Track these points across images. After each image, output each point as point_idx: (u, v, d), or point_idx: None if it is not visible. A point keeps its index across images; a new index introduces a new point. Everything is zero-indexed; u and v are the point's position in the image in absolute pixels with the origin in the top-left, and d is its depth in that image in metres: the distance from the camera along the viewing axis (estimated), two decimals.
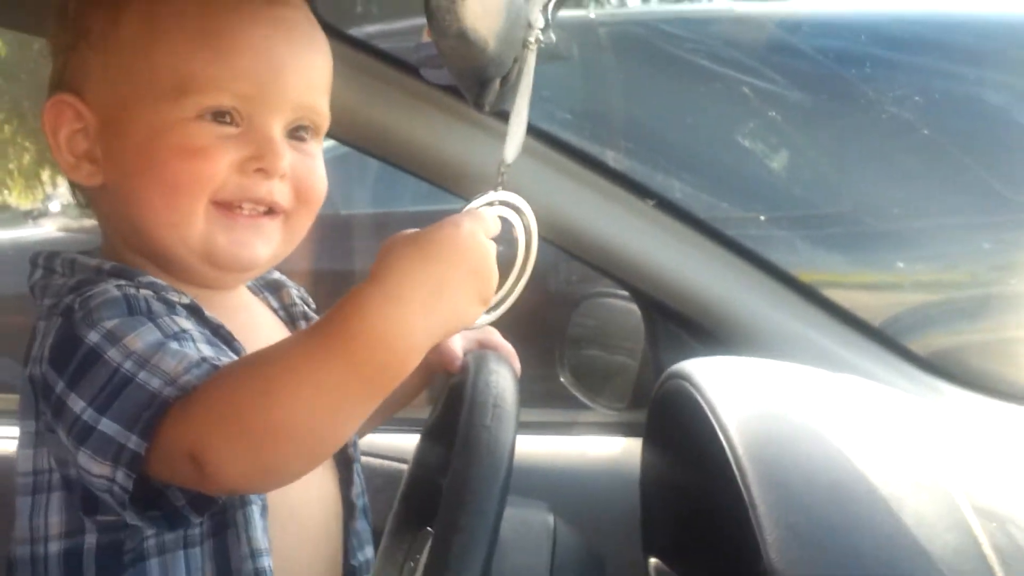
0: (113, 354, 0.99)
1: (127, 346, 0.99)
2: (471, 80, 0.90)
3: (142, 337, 1.00)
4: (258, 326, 1.30)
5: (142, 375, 0.97)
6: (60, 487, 1.10)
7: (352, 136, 1.79)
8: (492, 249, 0.98)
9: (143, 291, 1.09)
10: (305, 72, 1.19)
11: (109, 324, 1.02)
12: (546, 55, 1.00)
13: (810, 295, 1.94)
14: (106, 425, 0.96)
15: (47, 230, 4.33)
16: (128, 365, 0.98)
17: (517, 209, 1.04)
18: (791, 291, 1.93)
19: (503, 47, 0.89)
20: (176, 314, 1.08)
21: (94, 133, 1.17)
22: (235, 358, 1.06)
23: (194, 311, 1.12)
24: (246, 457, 0.92)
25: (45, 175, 5.97)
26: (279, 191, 1.17)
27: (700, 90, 3.59)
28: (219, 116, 1.13)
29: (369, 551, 1.33)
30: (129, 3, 1.15)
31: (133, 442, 0.94)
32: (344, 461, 1.32)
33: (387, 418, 1.52)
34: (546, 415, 2.11)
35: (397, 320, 0.91)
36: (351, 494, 1.31)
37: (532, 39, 0.98)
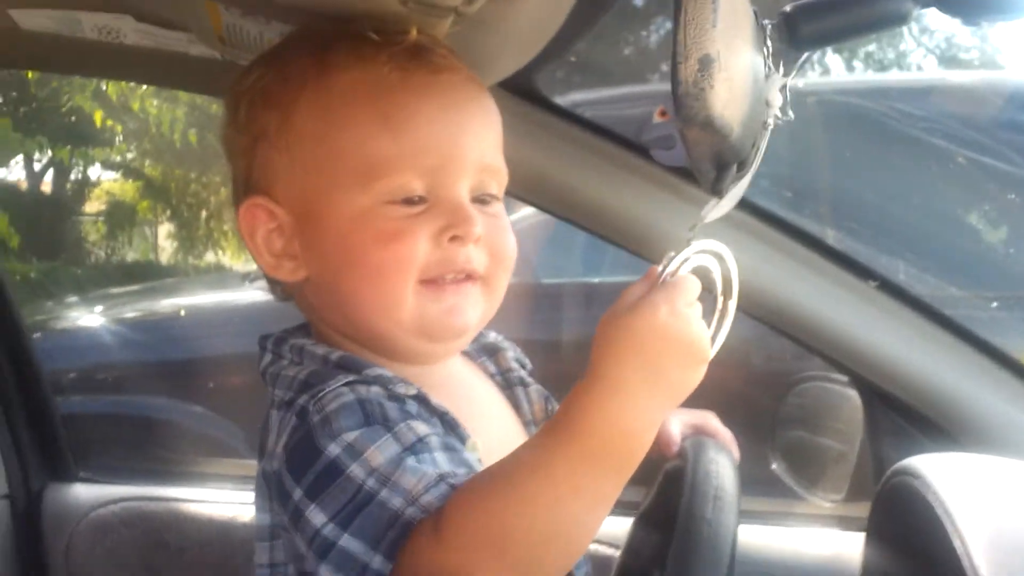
0: (355, 470, 1.01)
1: (368, 461, 1.01)
2: (709, 165, 0.88)
3: (382, 451, 1.02)
4: (476, 399, 1.31)
5: (383, 493, 0.99)
6: None
7: (550, 202, 1.80)
8: (695, 314, 0.97)
9: (373, 389, 1.10)
10: (480, 133, 1.20)
11: (349, 437, 1.03)
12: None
13: None
14: (348, 542, 0.99)
15: (263, 294, 4.51)
16: (371, 483, 1.00)
17: (715, 254, 1.02)
18: (1021, 380, 1.80)
19: (745, 132, 0.86)
20: (409, 414, 1.09)
21: (289, 230, 1.19)
22: (471, 465, 1.07)
23: (421, 401, 1.13)
24: (515, 573, 0.94)
25: None
26: (476, 256, 1.17)
27: (919, 164, 3.47)
28: (408, 201, 1.14)
29: None
30: (299, 98, 1.16)
31: (377, 562, 0.97)
32: None
33: None
34: (757, 504, 2.03)
35: (626, 409, 0.94)
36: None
37: (770, 119, 0.95)
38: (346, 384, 1.10)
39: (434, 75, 1.17)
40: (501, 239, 1.21)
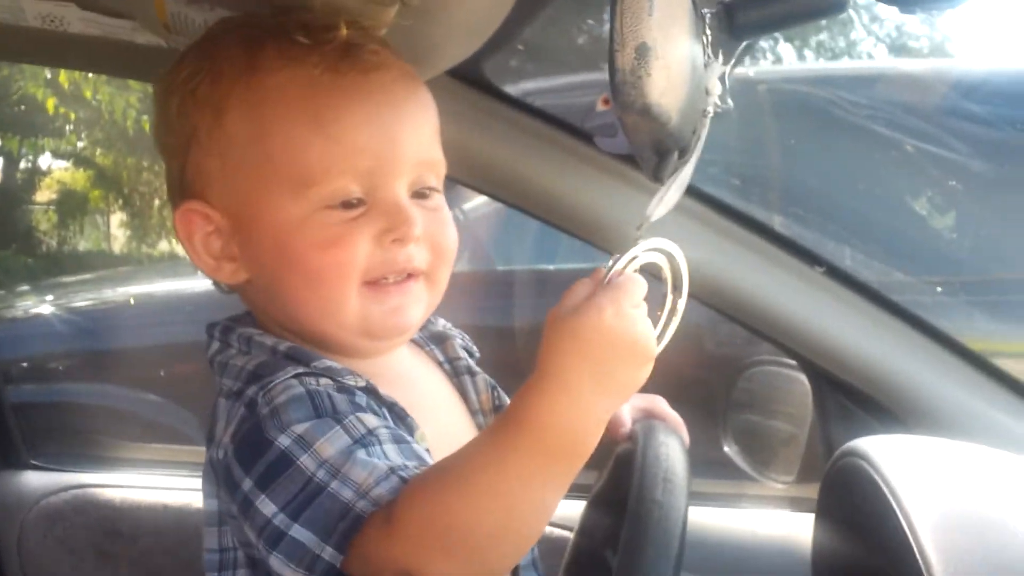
0: (305, 461, 1.01)
1: (318, 453, 1.01)
2: (650, 152, 0.88)
3: (332, 443, 1.02)
4: (424, 389, 1.31)
5: (334, 484, 0.99)
6: (245, 564, 1.13)
7: (501, 191, 1.81)
8: (641, 314, 0.97)
9: (322, 381, 1.10)
10: (416, 130, 1.19)
11: (299, 429, 1.03)
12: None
13: (986, 368, 1.85)
14: (298, 532, 0.99)
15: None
16: (321, 474, 1.00)
17: (664, 252, 1.02)
18: (967, 364, 1.85)
19: (684, 119, 0.87)
20: (359, 406, 1.09)
21: (227, 232, 1.18)
22: (422, 458, 1.07)
23: (370, 392, 1.13)
24: (467, 566, 0.96)
25: None
26: (417, 255, 1.17)
27: (866, 152, 3.50)
28: (346, 204, 1.13)
29: None
30: (229, 97, 1.14)
31: (328, 553, 0.98)
32: None
33: None
34: (710, 486, 2.05)
35: (573, 408, 0.95)
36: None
37: (710, 107, 0.96)
38: (295, 376, 1.09)
39: (365, 74, 1.15)
40: (442, 233, 1.21)
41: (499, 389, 1.39)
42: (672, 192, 1.02)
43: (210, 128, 1.16)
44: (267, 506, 1.01)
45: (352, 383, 1.12)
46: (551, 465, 0.95)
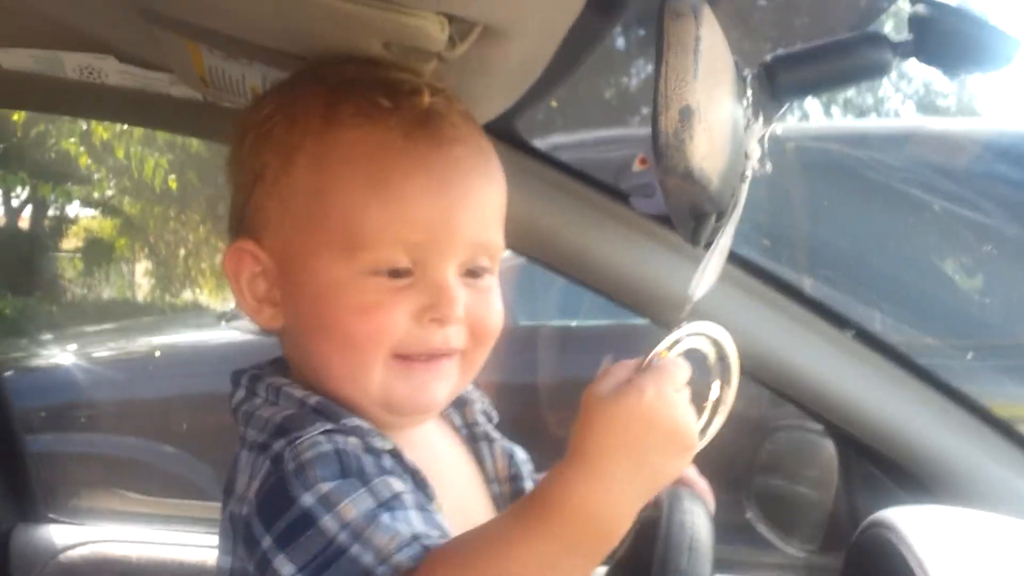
0: (328, 522, 0.99)
1: (342, 515, 0.99)
2: (688, 216, 0.88)
3: (356, 505, 1.00)
4: (440, 457, 1.29)
5: (355, 548, 0.98)
6: None
7: (534, 249, 1.79)
8: (683, 400, 0.95)
9: (351, 440, 1.08)
10: (478, 210, 1.16)
11: (324, 488, 1.01)
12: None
13: (1015, 437, 1.81)
14: None
15: (239, 334, 4.49)
16: (343, 536, 0.98)
17: (710, 338, 1.00)
18: (995, 432, 1.81)
19: (724, 183, 0.86)
20: (384, 469, 1.08)
21: (272, 276, 1.17)
22: (443, 528, 1.05)
23: (396, 456, 1.12)
24: None
25: None
26: (455, 336, 1.14)
27: (896, 212, 3.48)
28: (393, 274, 1.11)
29: None
30: (301, 147, 1.13)
31: None
32: None
33: None
34: (732, 552, 2.02)
35: (605, 495, 0.93)
36: None
37: (748, 171, 0.95)
38: (323, 432, 1.07)
39: (439, 147, 1.13)
40: (486, 315, 1.18)
41: (515, 458, 1.37)
42: (713, 264, 1.01)
43: (277, 172, 1.15)
44: (286, 566, 0.99)
45: (380, 445, 1.10)
46: (575, 551, 0.94)
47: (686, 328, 0.97)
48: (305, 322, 1.15)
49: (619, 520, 0.95)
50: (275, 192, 1.15)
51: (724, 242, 1.00)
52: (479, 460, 1.35)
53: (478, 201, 1.16)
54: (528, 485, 1.35)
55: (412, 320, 1.11)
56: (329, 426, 1.09)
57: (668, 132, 0.81)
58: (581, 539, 0.93)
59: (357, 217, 1.10)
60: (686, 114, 0.81)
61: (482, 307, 1.17)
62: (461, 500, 1.21)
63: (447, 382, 1.17)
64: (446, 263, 1.13)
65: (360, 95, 1.13)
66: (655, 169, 0.84)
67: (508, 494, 1.33)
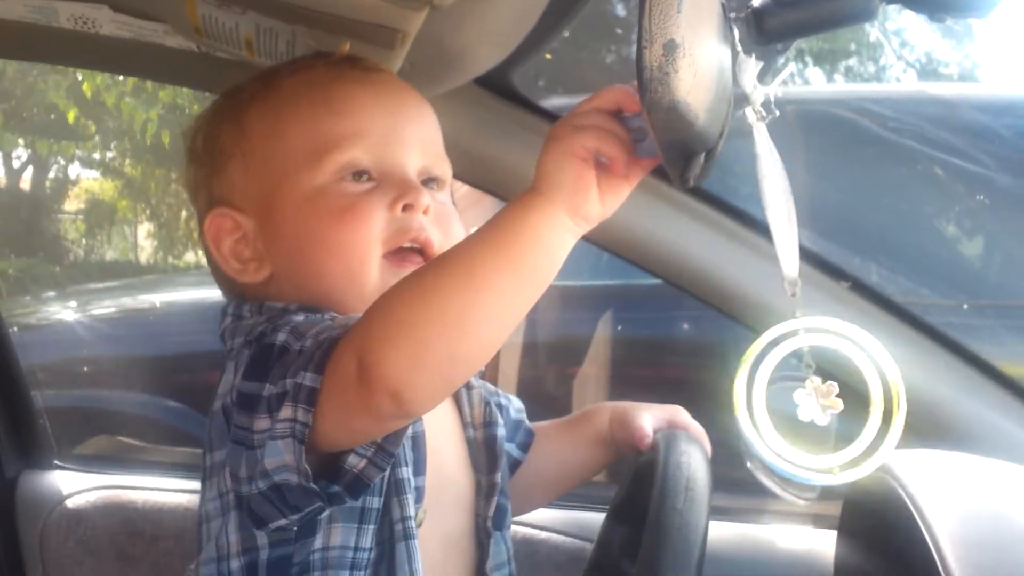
0: (296, 344, 1.05)
1: (308, 335, 1.06)
2: (676, 155, 0.88)
3: (326, 330, 1.05)
4: None
5: (316, 333, 1.05)
6: (235, 507, 1.15)
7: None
8: (581, 159, 0.99)
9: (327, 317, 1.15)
10: (419, 119, 1.30)
11: (295, 321, 1.10)
12: (734, 131, 0.96)
13: (1010, 385, 1.83)
14: (284, 385, 1.02)
15: None
16: (308, 343, 1.04)
17: (840, 335, 0.99)
18: (990, 380, 1.82)
19: (711, 120, 0.87)
20: None
21: (252, 234, 1.26)
22: None
23: None
24: (413, 360, 0.95)
25: None
26: (429, 227, 1.23)
27: (895, 171, 3.48)
28: (358, 176, 1.23)
29: None
30: (249, 107, 1.27)
31: (308, 379, 1.00)
32: (483, 532, 1.32)
33: (569, 491, 1.50)
34: (731, 500, 2.03)
35: (553, 225, 0.99)
36: (485, 567, 1.30)
37: (756, 115, 0.95)
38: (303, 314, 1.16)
39: (367, 72, 1.29)
40: (451, 219, 1.28)
41: (492, 406, 1.39)
42: (786, 240, 1.00)
43: (233, 138, 1.26)
44: (264, 389, 1.04)
45: None
46: (511, 276, 0.97)
47: (802, 321, 0.98)
48: (294, 245, 1.23)
49: (555, 254, 0.99)
50: (236, 153, 1.26)
51: (786, 215, 0.99)
52: (458, 405, 1.38)
53: (418, 114, 1.30)
54: (501, 432, 1.37)
55: (387, 213, 1.21)
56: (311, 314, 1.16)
57: (652, 66, 0.82)
58: (518, 265, 0.98)
59: (312, 132, 1.22)
60: (670, 48, 0.82)
61: (446, 211, 1.28)
62: (434, 428, 1.24)
63: None
64: (404, 161, 1.25)
65: (291, 63, 1.32)
66: (641, 105, 0.85)
67: (480, 440, 1.36)
